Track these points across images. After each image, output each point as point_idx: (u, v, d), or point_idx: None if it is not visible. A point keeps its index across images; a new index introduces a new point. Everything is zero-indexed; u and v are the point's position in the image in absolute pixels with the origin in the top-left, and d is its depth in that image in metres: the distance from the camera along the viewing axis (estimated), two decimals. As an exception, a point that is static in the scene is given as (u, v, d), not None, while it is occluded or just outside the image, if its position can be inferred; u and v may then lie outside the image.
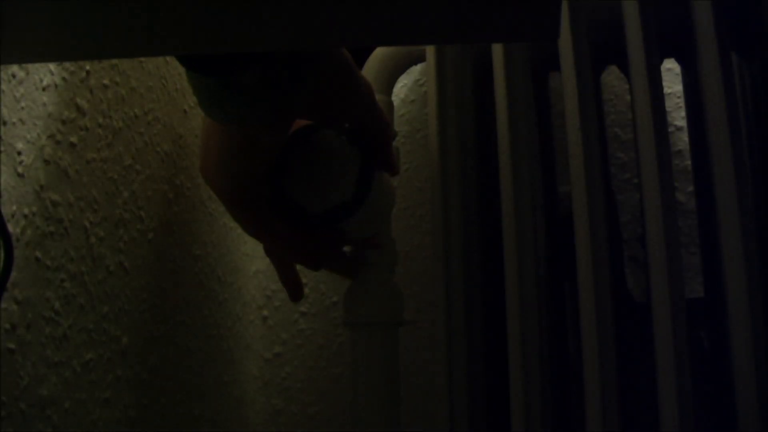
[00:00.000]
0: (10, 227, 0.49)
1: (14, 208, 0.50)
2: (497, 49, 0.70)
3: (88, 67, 0.58)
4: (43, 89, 0.53)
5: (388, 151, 0.55)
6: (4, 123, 0.49)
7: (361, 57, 0.76)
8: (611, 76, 0.87)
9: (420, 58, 0.76)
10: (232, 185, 0.51)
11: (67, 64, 0.56)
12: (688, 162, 0.81)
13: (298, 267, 0.63)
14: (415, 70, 0.93)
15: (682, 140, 0.83)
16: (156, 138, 0.69)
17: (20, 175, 0.50)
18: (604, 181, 0.68)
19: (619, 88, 0.87)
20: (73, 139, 0.56)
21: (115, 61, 0.62)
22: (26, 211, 0.51)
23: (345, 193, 0.53)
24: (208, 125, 0.51)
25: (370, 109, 0.53)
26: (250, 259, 0.94)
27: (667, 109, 0.68)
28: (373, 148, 0.54)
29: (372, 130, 0.54)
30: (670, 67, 0.84)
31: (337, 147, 0.53)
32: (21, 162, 0.50)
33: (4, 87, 0.49)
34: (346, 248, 0.70)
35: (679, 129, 0.84)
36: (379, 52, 0.76)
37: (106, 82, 0.61)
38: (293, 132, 0.54)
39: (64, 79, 0.55)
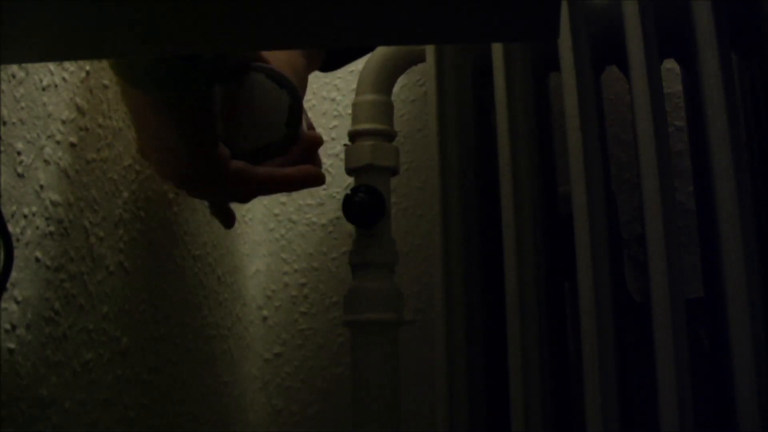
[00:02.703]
0: (10, 227, 0.49)
1: (14, 208, 0.50)
2: (497, 49, 0.70)
3: (88, 67, 0.58)
4: (43, 89, 0.53)
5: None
6: (4, 123, 0.49)
7: (362, 57, 0.76)
8: (611, 76, 0.87)
9: (420, 58, 0.76)
10: (190, 167, 0.53)
11: (67, 64, 0.56)
12: (688, 162, 0.81)
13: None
14: (415, 70, 0.92)
15: (682, 140, 0.83)
16: (156, 138, 0.69)
17: (20, 175, 0.50)
18: (604, 181, 0.68)
19: (619, 88, 0.87)
20: (73, 139, 0.56)
21: (115, 61, 0.62)
22: (26, 211, 0.51)
23: (276, 133, 0.55)
24: (134, 109, 0.53)
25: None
26: (250, 259, 0.94)
27: (667, 109, 0.68)
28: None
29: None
30: (670, 67, 0.84)
31: (267, 88, 0.55)
32: (21, 162, 0.50)
33: (4, 87, 0.49)
34: None
35: (679, 129, 0.84)
36: (379, 52, 0.76)
37: (106, 82, 0.61)
38: (226, 67, 0.55)
39: (64, 79, 0.55)
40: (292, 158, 0.59)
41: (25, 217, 0.51)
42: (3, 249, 0.42)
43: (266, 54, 0.56)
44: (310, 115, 0.73)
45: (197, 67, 0.46)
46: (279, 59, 0.56)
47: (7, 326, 0.48)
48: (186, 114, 0.50)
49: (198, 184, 0.55)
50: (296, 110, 0.56)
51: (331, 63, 0.73)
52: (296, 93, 0.56)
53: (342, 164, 0.79)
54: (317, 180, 0.63)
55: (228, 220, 0.65)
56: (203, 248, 0.78)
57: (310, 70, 0.65)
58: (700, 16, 0.63)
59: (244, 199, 0.62)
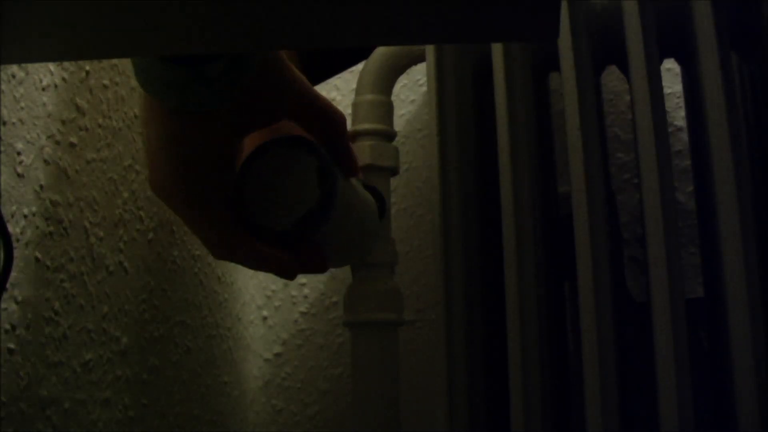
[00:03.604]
0: (10, 227, 0.49)
1: (14, 208, 0.50)
2: (497, 49, 0.70)
3: (88, 67, 0.58)
4: (43, 89, 0.53)
5: (346, 149, 0.54)
6: (4, 123, 0.49)
7: (361, 57, 0.76)
8: (611, 76, 0.87)
9: (420, 58, 0.76)
10: (190, 196, 0.49)
11: (67, 64, 0.56)
12: (688, 162, 0.81)
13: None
14: (415, 70, 0.92)
15: (682, 140, 0.83)
16: (156, 138, 0.69)
17: (20, 175, 0.50)
18: (604, 181, 0.68)
19: (619, 88, 0.87)
20: (73, 139, 0.56)
21: (115, 61, 0.62)
22: (26, 211, 0.51)
23: (308, 202, 0.51)
24: (152, 140, 0.48)
25: (312, 103, 0.52)
26: (250, 259, 0.94)
27: (667, 109, 0.68)
28: (329, 147, 0.53)
29: (323, 127, 0.53)
30: (670, 67, 0.84)
31: (290, 157, 0.52)
32: (21, 162, 0.50)
33: (4, 87, 0.49)
34: None
35: (679, 129, 0.84)
36: (379, 52, 0.76)
37: (106, 82, 0.61)
38: (248, 154, 0.53)
39: (64, 79, 0.55)
40: None
41: (25, 217, 0.51)
42: (3, 249, 0.42)
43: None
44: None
45: (203, 76, 0.44)
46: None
47: (7, 326, 0.48)
48: (190, 125, 0.48)
49: (186, 201, 0.50)
50: (325, 168, 0.51)
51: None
52: (318, 149, 0.52)
53: (342, 164, 0.79)
54: (286, 272, 0.56)
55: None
56: (203, 248, 0.78)
57: None
58: (700, 15, 0.63)
59: (218, 253, 0.54)
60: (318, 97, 0.53)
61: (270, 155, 0.52)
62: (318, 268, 0.56)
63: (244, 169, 0.52)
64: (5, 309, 0.48)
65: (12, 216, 0.49)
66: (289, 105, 0.51)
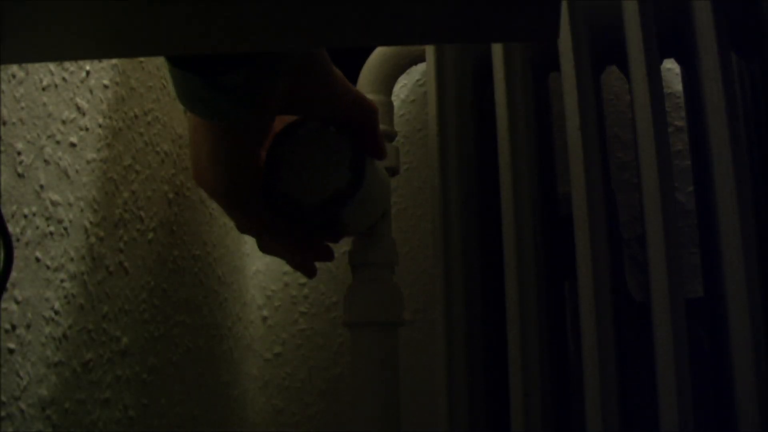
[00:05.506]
0: (10, 227, 0.49)
1: (14, 208, 0.50)
2: (497, 49, 0.70)
3: (88, 67, 0.58)
4: (43, 89, 0.53)
5: (376, 136, 0.56)
6: (4, 123, 0.49)
7: (361, 57, 0.76)
8: (611, 76, 0.87)
9: (420, 58, 0.76)
10: (224, 183, 0.52)
11: (67, 64, 0.56)
12: (688, 162, 0.81)
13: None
14: (415, 70, 0.92)
15: (682, 140, 0.83)
16: (156, 138, 0.69)
17: (20, 175, 0.50)
18: (604, 181, 0.68)
19: (619, 88, 0.87)
20: (73, 139, 0.56)
21: (114, 61, 0.62)
22: (26, 211, 0.51)
23: (339, 182, 0.53)
24: (195, 131, 0.51)
25: (349, 95, 0.54)
26: (250, 259, 0.94)
27: (667, 109, 0.68)
28: (361, 134, 0.55)
29: (357, 117, 0.55)
30: (670, 67, 0.84)
31: (325, 137, 0.54)
32: (21, 162, 0.50)
33: (4, 87, 0.49)
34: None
35: (679, 129, 0.84)
36: (379, 52, 0.76)
37: (106, 82, 0.61)
38: (281, 128, 0.54)
39: (64, 79, 0.55)
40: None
41: (25, 217, 0.51)
42: (3, 249, 0.42)
43: None
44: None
45: (217, 87, 0.44)
46: None
47: (7, 326, 0.48)
48: (229, 131, 0.49)
49: (226, 196, 0.53)
50: (359, 154, 0.54)
51: None
52: (356, 136, 0.55)
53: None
54: (308, 271, 0.61)
55: (307, 272, 0.62)
56: (203, 248, 0.78)
57: None
58: (700, 15, 0.63)
59: (247, 233, 0.59)
60: (352, 90, 0.55)
61: (308, 129, 0.54)
62: (331, 246, 0.60)
63: (282, 138, 0.54)
64: (5, 309, 0.48)
65: (12, 216, 0.49)
66: (328, 100, 0.54)
